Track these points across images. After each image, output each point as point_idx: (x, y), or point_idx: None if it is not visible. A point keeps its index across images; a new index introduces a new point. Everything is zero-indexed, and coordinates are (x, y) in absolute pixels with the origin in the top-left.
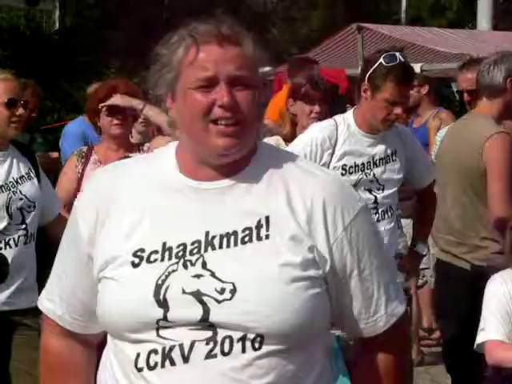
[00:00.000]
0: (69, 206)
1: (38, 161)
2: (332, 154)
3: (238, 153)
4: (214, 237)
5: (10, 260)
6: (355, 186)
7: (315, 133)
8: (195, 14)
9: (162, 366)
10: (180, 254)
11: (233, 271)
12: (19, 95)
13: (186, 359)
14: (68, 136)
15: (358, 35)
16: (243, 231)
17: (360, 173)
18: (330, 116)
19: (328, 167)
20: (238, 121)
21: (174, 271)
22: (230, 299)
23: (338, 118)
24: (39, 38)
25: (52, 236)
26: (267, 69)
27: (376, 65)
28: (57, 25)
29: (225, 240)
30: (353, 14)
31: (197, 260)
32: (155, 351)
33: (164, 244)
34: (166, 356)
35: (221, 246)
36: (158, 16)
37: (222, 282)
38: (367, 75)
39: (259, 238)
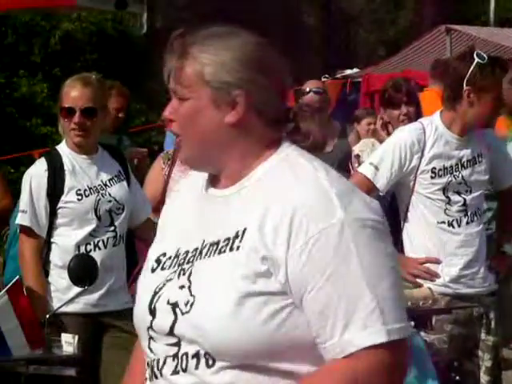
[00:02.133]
0: (155, 208)
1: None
2: (421, 158)
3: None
4: (205, 245)
5: (99, 262)
6: (444, 188)
7: (403, 136)
8: (287, 16)
9: (151, 379)
10: (181, 261)
11: (201, 282)
12: (78, 103)
13: (161, 375)
14: (169, 136)
15: (446, 36)
16: (224, 241)
17: (449, 175)
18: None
19: (417, 171)
20: None
21: (170, 280)
22: (188, 312)
23: (425, 120)
24: (126, 41)
25: (140, 239)
26: (355, 70)
27: (472, 67)
28: (145, 28)
29: (210, 249)
30: (440, 15)
31: (188, 269)
32: (147, 364)
33: (177, 250)
34: (151, 370)
35: (206, 255)
36: (250, 20)
37: (191, 293)
38: (466, 79)
39: (231, 249)
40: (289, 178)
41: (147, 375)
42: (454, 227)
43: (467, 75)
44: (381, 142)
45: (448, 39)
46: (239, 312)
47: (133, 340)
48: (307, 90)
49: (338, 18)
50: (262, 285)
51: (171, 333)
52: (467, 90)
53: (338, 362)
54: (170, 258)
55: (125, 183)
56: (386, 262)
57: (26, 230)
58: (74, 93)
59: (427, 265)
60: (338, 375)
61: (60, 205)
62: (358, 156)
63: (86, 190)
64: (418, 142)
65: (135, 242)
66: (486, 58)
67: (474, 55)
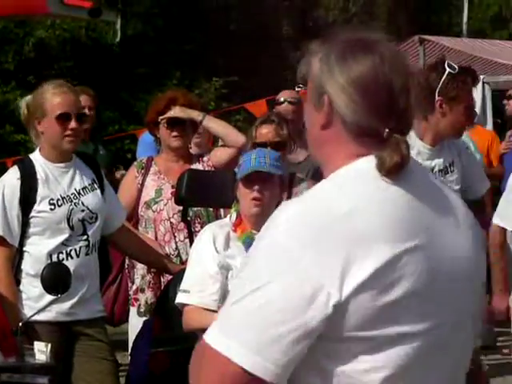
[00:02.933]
0: (129, 216)
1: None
2: None
3: None
4: None
5: (71, 271)
6: None
7: None
8: (261, 29)
9: None
10: None
11: None
12: (72, 108)
13: None
14: (142, 144)
15: (419, 47)
16: None
17: None
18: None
19: None
20: None
21: None
22: None
23: None
24: (101, 49)
25: (115, 246)
26: None
27: (444, 77)
28: (118, 36)
29: None
30: (414, 26)
31: None
32: None
33: None
34: None
35: None
36: (223, 28)
37: None
38: (438, 89)
39: None
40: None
41: None
42: None
43: (439, 86)
44: None
45: (421, 49)
46: None
47: (104, 348)
48: (281, 99)
49: (313, 28)
50: None
51: None
52: (439, 101)
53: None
54: None
55: (98, 192)
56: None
57: None
58: (66, 98)
59: None
60: (198, 347)
61: (32, 214)
62: None
63: (58, 199)
64: None
65: (109, 249)
66: (457, 68)
67: (445, 65)
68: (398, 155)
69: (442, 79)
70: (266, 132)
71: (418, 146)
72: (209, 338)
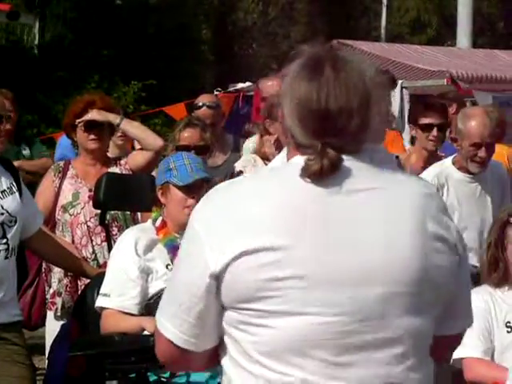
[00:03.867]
0: (46, 220)
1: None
2: None
3: None
4: None
5: None
6: None
7: None
8: (180, 32)
9: None
10: None
11: None
12: (4, 110)
13: None
14: (59, 148)
15: None
16: None
17: None
18: None
19: None
20: None
21: None
22: None
23: None
24: (19, 52)
25: (32, 250)
26: (247, 84)
27: None
28: (37, 39)
29: None
30: (333, 30)
31: None
32: None
33: None
34: None
35: None
36: (142, 31)
37: None
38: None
39: None
40: None
41: None
42: None
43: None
44: (267, 157)
45: None
46: None
47: (21, 352)
48: (200, 103)
49: (232, 31)
50: None
51: None
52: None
53: None
54: None
55: (17, 195)
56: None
57: None
58: None
59: None
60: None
61: None
62: (240, 172)
63: None
64: None
65: (26, 253)
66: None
67: None
68: (318, 164)
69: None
70: (189, 135)
71: None
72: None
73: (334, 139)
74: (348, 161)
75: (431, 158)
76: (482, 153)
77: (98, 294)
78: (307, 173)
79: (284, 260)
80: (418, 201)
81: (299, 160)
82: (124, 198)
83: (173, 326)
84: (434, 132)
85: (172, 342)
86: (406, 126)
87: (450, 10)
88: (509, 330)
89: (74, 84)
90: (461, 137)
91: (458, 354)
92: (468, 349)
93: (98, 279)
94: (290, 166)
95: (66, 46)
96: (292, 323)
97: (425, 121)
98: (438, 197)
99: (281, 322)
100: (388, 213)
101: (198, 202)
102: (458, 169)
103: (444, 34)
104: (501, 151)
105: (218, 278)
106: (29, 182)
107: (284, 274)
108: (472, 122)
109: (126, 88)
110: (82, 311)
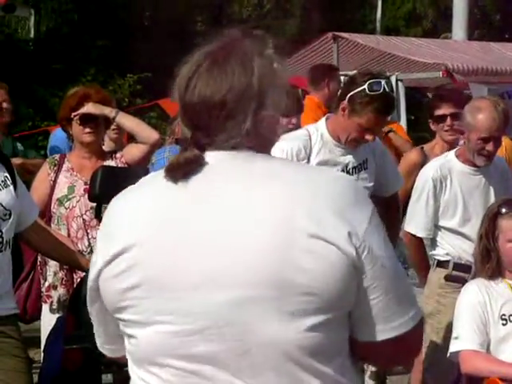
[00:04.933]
0: (42, 213)
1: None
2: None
3: None
4: None
5: None
6: None
7: (290, 143)
8: (175, 25)
9: None
10: None
11: None
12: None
13: None
14: (53, 140)
15: (333, 44)
16: None
17: None
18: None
19: None
20: None
21: None
22: None
23: (311, 127)
24: (14, 45)
25: (27, 243)
26: None
27: (360, 89)
28: (32, 31)
29: None
30: (328, 23)
31: None
32: None
33: None
34: None
35: None
36: (138, 24)
37: None
38: (349, 95)
39: None
40: None
41: None
42: None
43: (351, 93)
44: None
45: (335, 47)
46: None
47: (17, 345)
48: None
49: (227, 24)
50: None
51: None
52: (343, 105)
53: None
54: None
55: (11, 188)
56: None
57: None
58: None
59: None
60: None
61: None
62: None
63: None
64: (304, 149)
65: (21, 246)
66: (379, 91)
67: (368, 82)
68: (174, 161)
69: (356, 90)
70: None
71: (331, 143)
72: None
73: (200, 133)
74: (211, 157)
75: (452, 149)
76: (489, 146)
77: None
78: (165, 170)
79: (134, 267)
80: (291, 199)
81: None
82: (119, 191)
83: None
84: (448, 121)
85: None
86: (402, 117)
87: (445, 2)
88: (504, 322)
89: (69, 77)
90: (469, 129)
91: (454, 347)
92: (464, 342)
93: None
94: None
95: (61, 39)
96: (145, 332)
97: (438, 112)
98: (334, 192)
99: (138, 332)
100: (244, 215)
101: None
102: (463, 162)
103: (440, 27)
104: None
105: (96, 288)
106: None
107: (134, 282)
108: (480, 115)
109: (122, 81)
110: (78, 304)
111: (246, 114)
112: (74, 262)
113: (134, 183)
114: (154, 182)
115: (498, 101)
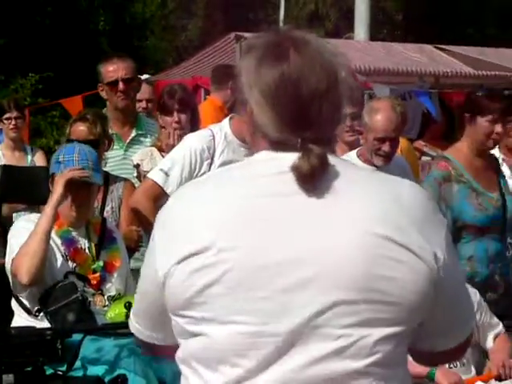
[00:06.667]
0: None
1: None
2: (211, 164)
3: None
4: None
5: None
6: None
7: (193, 143)
8: (77, 24)
9: None
10: None
11: None
12: None
13: None
14: None
15: (235, 44)
16: None
17: None
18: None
19: None
20: None
21: None
22: None
23: (215, 127)
24: None
25: None
26: (146, 76)
27: None
28: None
29: None
30: (231, 23)
31: None
32: None
33: None
34: None
35: None
36: (39, 23)
37: None
38: None
39: None
40: None
41: None
42: None
43: None
44: (163, 150)
45: (237, 47)
46: None
47: None
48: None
49: (130, 23)
50: None
51: None
52: None
53: None
54: None
55: None
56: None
57: None
58: None
59: None
60: None
61: None
62: (137, 165)
63: None
64: (207, 149)
65: None
66: None
67: None
68: (307, 165)
69: None
70: (79, 130)
71: (234, 143)
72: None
73: (309, 132)
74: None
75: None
76: (386, 147)
77: None
78: (299, 175)
79: (215, 265)
80: (379, 211)
81: (263, 156)
82: (20, 191)
83: (137, 325)
84: (348, 122)
85: (139, 339)
86: None
87: (348, 2)
88: None
89: None
90: (366, 130)
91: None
92: None
93: None
94: (253, 163)
95: None
96: (219, 331)
97: None
98: (415, 206)
99: (211, 330)
100: (333, 218)
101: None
102: (364, 161)
103: (342, 27)
104: None
105: (164, 285)
106: None
107: (213, 279)
108: (378, 116)
109: (24, 80)
110: None
111: (340, 102)
112: None
113: (34, 183)
114: (231, 181)
115: (396, 102)
